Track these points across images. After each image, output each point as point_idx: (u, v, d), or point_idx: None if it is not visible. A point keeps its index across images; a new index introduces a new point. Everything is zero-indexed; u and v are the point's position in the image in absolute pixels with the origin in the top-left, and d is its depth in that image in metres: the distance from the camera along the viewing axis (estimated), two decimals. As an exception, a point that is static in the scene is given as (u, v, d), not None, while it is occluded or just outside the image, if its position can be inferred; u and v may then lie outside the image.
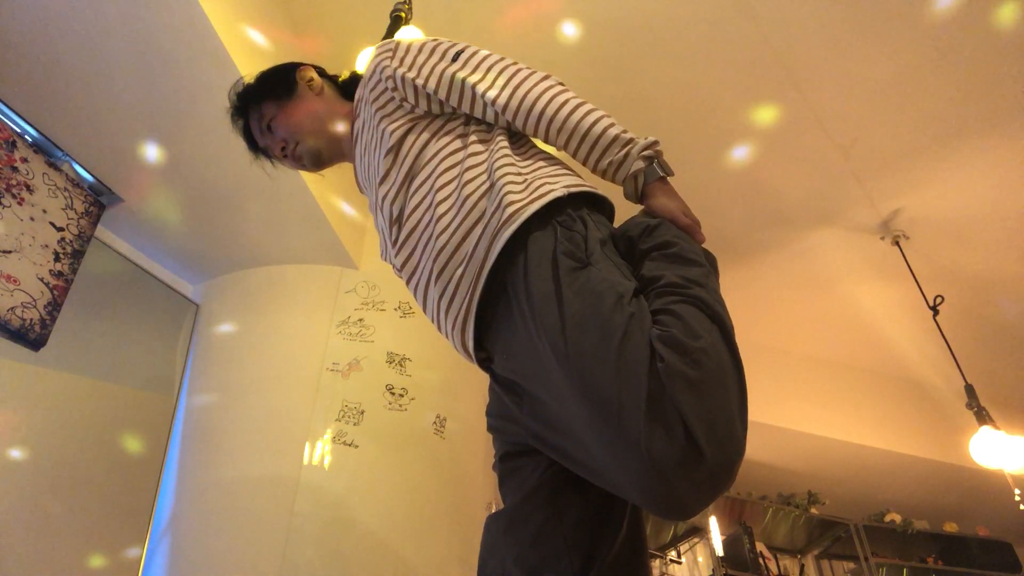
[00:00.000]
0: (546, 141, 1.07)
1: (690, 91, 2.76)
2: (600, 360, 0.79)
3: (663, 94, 2.78)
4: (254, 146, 1.32)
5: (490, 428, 1.13)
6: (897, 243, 3.34)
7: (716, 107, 2.83)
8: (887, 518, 4.56)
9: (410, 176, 1.08)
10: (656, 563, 4.28)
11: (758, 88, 2.74)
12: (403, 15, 2.14)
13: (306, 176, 2.45)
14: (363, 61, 1.99)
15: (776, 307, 3.94)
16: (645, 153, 1.01)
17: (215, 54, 2.00)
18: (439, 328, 1.07)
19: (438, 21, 2.49)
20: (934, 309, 3.08)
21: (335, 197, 2.72)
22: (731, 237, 3.45)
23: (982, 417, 2.78)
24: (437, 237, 1.00)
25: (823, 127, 2.88)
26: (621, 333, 0.79)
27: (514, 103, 1.05)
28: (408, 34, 2.08)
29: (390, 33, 2.09)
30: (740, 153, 3.03)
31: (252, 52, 2.14)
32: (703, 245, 1.02)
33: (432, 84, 1.10)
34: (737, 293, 3.74)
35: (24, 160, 2.11)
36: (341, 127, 1.27)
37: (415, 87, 1.11)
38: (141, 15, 1.91)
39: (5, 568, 1.99)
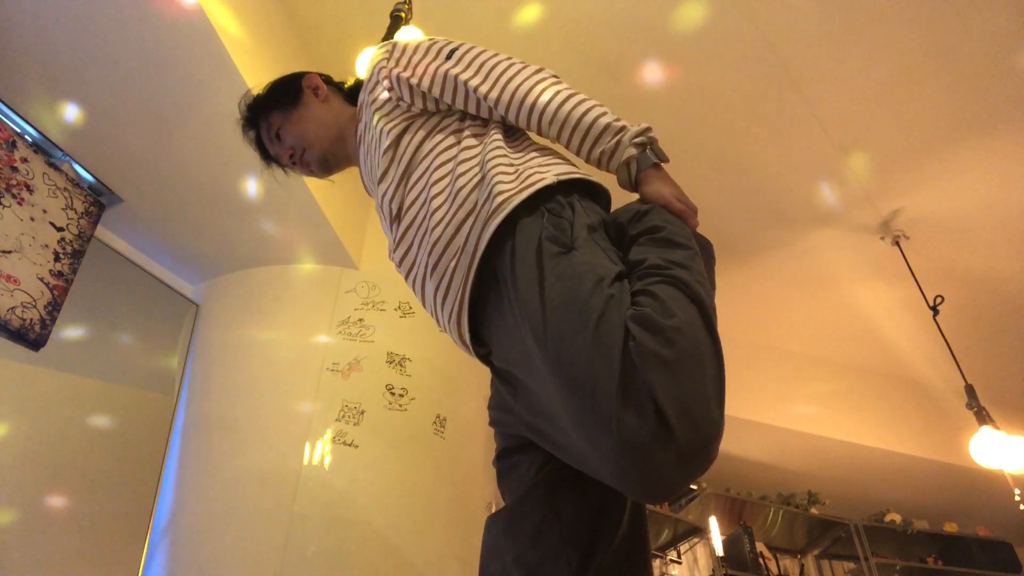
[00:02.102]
0: (539, 133, 1.08)
1: (689, 91, 2.76)
2: (577, 342, 0.79)
3: (661, 94, 2.78)
4: (266, 155, 1.35)
5: (491, 421, 1.14)
6: (897, 243, 3.34)
7: (716, 107, 2.83)
8: (887, 518, 4.56)
9: (407, 173, 1.09)
10: (656, 563, 4.28)
11: (758, 88, 2.74)
12: (403, 15, 2.14)
13: (307, 176, 2.45)
14: (363, 61, 2.00)
15: (776, 307, 3.94)
16: (637, 140, 1.01)
17: (215, 54, 2.00)
18: (437, 322, 1.08)
19: (438, 21, 2.49)
20: (934, 309, 3.08)
21: (335, 197, 2.72)
22: (731, 237, 3.45)
23: (982, 417, 2.78)
24: (431, 231, 1.01)
25: (823, 127, 2.88)
26: (598, 315, 0.79)
27: (505, 97, 1.05)
28: (408, 34, 2.08)
29: (390, 33, 2.10)
30: (740, 153, 3.03)
31: (252, 52, 2.14)
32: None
33: (427, 82, 1.11)
34: (737, 293, 3.74)
35: (24, 160, 2.11)
36: (346, 132, 1.29)
37: (411, 86, 1.12)
38: (141, 15, 1.91)
39: (5, 568, 1.99)
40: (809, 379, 4.29)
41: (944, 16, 2.45)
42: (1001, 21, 2.44)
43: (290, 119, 1.29)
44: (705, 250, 0.99)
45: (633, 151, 1.01)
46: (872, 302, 3.79)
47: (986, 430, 2.75)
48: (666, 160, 1.03)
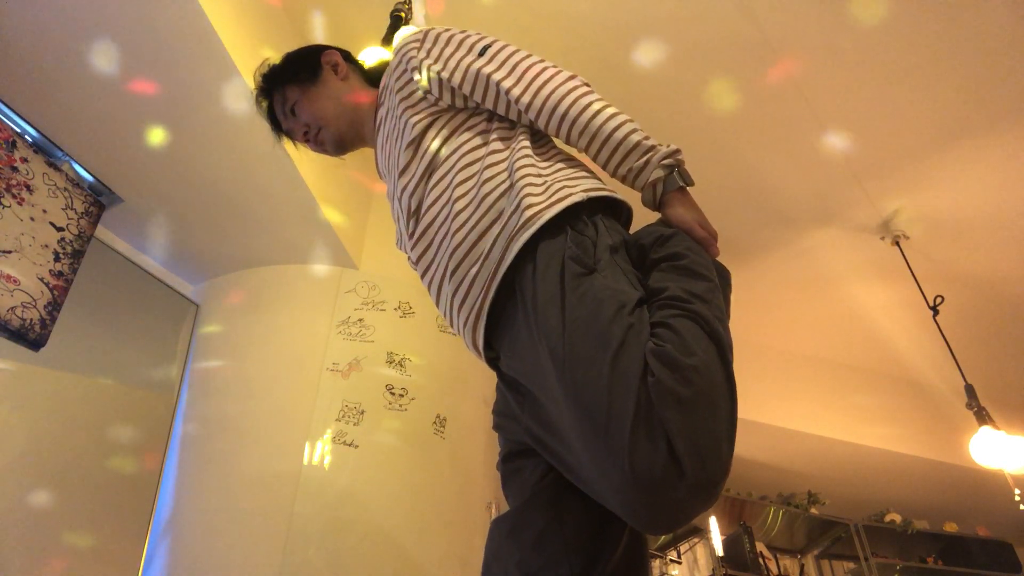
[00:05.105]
0: (567, 142, 1.07)
1: (689, 92, 2.76)
2: (594, 369, 0.79)
3: (661, 95, 2.78)
4: (277, 128, 1.33)
5: (495, 426, 1.13)
6: (897, 243, 3.34)
7: (716, 107, 2.82)
8: (887, 518, 4.56)
9: (430, 170, 1.08)
10: (656, 563, 4.27)
11: (758, 88, 2.74)
12: (403, 15, 2.14)
13: (307, 176, 2.45)
14: (365, 60, 2.00)
15: (776, 307, 3.94)
16: (666, 162, 1.01)
17: (215, 54, 2.00)
18: (451, 324, 1.07)
19: (438, 21, 2.49)
20: (934, 309, 3.08)
21: (336, 197, 2.72)
22: (731, 237, 3.45)
23: (982, 417, 2.78)
24: (454, 234, 1.00)
25: (823, 127, 2.88)
26: (617, 344, 0.79)
27: (537, 102, 1.04)
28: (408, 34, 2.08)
29: (390, 32, 2.10)
30: (740, 153, 3.03)
31: (252, 52, 2.14)
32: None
33: (457, 78, 1.09)
34: (737, 293, 3.72)
35: (24, 160, 2.11)
36: (365, 114, 1.27)
37: (440, 80, 1.10)
38: (141, 15, 1.91)
39: (5, 568, 1.99)
40: (809, 379, 4.29)
41: (944, 16, 2.45)
42: (1001, 21, 2.44)
43: (307, 95, 1.26)
44: (723, 279, 0.98)
45: (660, 173, 1.00)
46: (872, 302, 3.79)
47: (986, 430, 2.75)
48: (692, 184, 1.03)
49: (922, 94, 2.72)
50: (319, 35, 2.61)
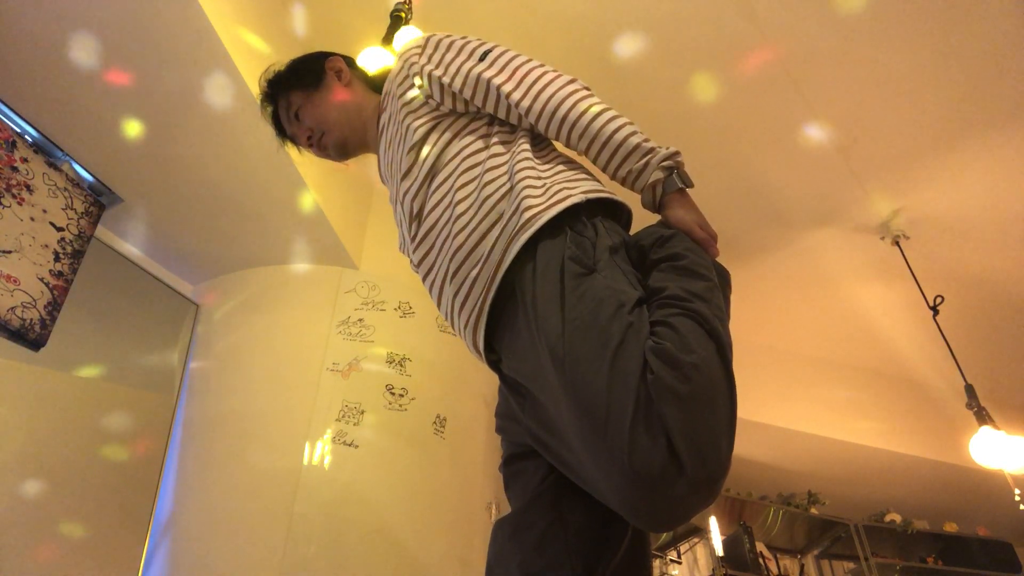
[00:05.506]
0: (567, 145, 1.07)
1: (689, 92, 2.76)
2: (593, 367, 0.79)
3: (661, 94, 2.78)
4: (281, 133, 1.35)
5: (498, 429, 1.14)
6: (897, 243, 3.34)
7: (715, 107, 2.82)
8: (887, 518, 4.56)
9: (431, 174, 1.09)
10: (656, 563, 4.27)
11: (758, 89, 2.74)
12: (403, 15, 2.14)
13: (307, 176, 2.45)
14: (366, 60, 2.00)
15: (776, 307, 3.94)
16: (665, 164, 1.01)
17: (215, 54, 2.00)
18: (452, 325, 1.08)
19: (438, 21, 2.49)
20: (934, 309, 3.08)
21: (335, 197, 2.72)
22: (731, 237, 3.45)
23: (982, 417, 2.78)
24: (455, 236, 1.01)
25: (823, 127, 2.88)
26: (617, 342, 0.80)
27: (537, 106, 1.05)
28: (408, 34, 2.09)
29: (390, 33, 2.10)
30: (740, 153, 3.03)
31: (252, 52, 2.14)
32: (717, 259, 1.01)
33: (458, 83, 1.10)
34: (737, 293, 3.72)
35: (24, 160, 2.11)
36: (368, 120, 1.28)
37: (441, 85, 1.11)
38: (141, 15, 1.91)
39: (4, 568, 1.99)
40: (809, 379, 4.29)
41: (944, 16, 2.45)
42: (1001, 22, 2.44)
43: (311, 101, 1.28)
44: (723, 279, 0.99)
45: (660, 174, 1.01)
46: (872, 302, 3.79)
47: (986, 430, 2.75)
48: (691, 186, 1.03)
49: (922, 94, 2.72)
50: (319, 35, 2.61)
